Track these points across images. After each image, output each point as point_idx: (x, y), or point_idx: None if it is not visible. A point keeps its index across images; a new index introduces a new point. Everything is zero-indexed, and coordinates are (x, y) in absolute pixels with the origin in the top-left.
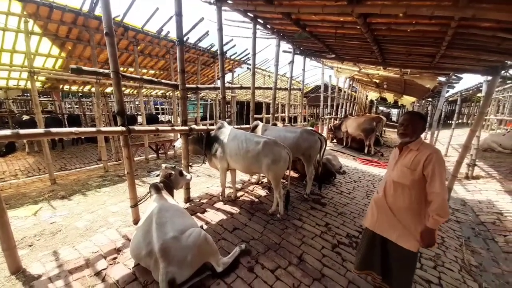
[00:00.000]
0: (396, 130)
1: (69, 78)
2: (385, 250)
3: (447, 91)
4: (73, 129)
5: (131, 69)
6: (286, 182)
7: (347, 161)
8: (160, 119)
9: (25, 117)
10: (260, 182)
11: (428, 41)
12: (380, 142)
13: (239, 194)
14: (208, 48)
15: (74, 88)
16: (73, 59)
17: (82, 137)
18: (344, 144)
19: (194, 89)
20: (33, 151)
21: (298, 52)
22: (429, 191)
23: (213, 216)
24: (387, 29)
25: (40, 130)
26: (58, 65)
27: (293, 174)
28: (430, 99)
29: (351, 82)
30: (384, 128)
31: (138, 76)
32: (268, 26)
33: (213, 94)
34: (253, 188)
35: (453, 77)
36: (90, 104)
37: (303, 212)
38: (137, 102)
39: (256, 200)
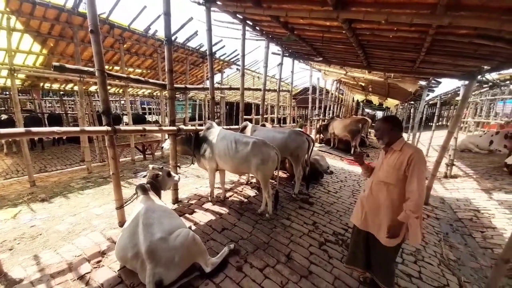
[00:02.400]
0: None
1: (51, 75)
2: (368, 244)
3: (428, 95)
4: (56, 129)
5: (117, 68)
6: (275, 182)
7: (334, 162)
8: (147, 119)
9: (3, 116)
10: (249, 182)
11: (409, 47)
12: (366, 143)
13: (228, 194)
14: (197, 48)
15: (55, 86)
16: (55, 56)
17: (64, 137)
18: (332, 145)
19: (183, 89)
20: (11, 152)
21: (287, 54)
22: (407, 189)
23: (201, 217)
24: (371, 34)
25: (21, 129)
26: (39, 62)
27: (281, 174)
28: (412, 102)
29: (338, 85)
30: (369, 130)
31: (125, 75)
32: (257, 28)
33: (202, 95)
34: (242, 189)
35: (432, 81)
36: (72, 103)
37: (291, 211)
38: (122, 102)
39: (245, 200)
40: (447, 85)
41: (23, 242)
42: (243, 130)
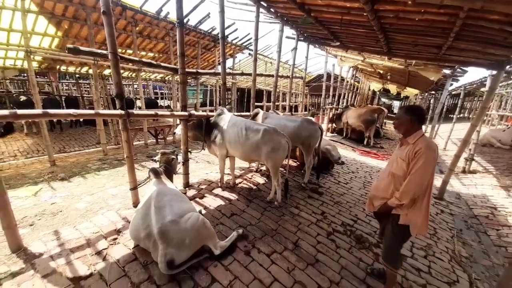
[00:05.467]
0: None
1: (66, 58)
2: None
3: (451, 84)
4: (72, 111)
5: (129, 51)
6: (284, 171)
7: (346, 152)
8: (159, 104)
9: (22, 98)
10: (258, 170)
11: (436, 32)
12: (380, 134)
13: (237, 181)
14: (209, 31)
15: (71, 69)
16: (69, 39)
17: (81, 120)
18: (344, 135)
19: (194, 74)
20: (32, 133)
21: (302, 38)
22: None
23: (211, 202)
24: (395, 17)
25: (38, 111)
26: (54, 45)
27: (291, 163)
28: (433, 92)
29: (354, 72)
30: (385, 120)
31: (137, 59)
32: (272, 9)
33: (213, 80)
34: (252, 176)
35: (458, 70)
36: (88, 86)
37: (300, 200)
38: (135, 86)
39: (255, 187)
40: (470, 75)
41: (44, 218)
42: (254, 117)
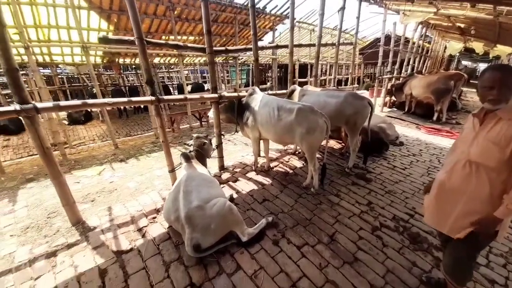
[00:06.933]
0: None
1: (121, 51)
2: None
3: None
4: (107, 100)
5: (172, 37)
6: (322, 154)
7: (408, 130)
8: (206, 88)
9: (95, 90)
10: (297, 152)
11: None
12: (457, 107)
13: (273, 164)
14: (245, 4)
15: (127, 60)
16: (120, 32)
17: (142, 107)
18: (406, 109)
19: (223, 52)
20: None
21: None
22: None
23: (244, 186)
24: None
25: (78, 102)
26: None
27: (335, 144)
28: None
29: (424, 30)
30: (463, 89)
31: (163, 41)
32: None
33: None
34: (289, 159)
35: None
36: None
37: (342, 187)
38: (186, 72)
39: (291, 171)
40: None
41: (103, 195)
42: (290, 95)
